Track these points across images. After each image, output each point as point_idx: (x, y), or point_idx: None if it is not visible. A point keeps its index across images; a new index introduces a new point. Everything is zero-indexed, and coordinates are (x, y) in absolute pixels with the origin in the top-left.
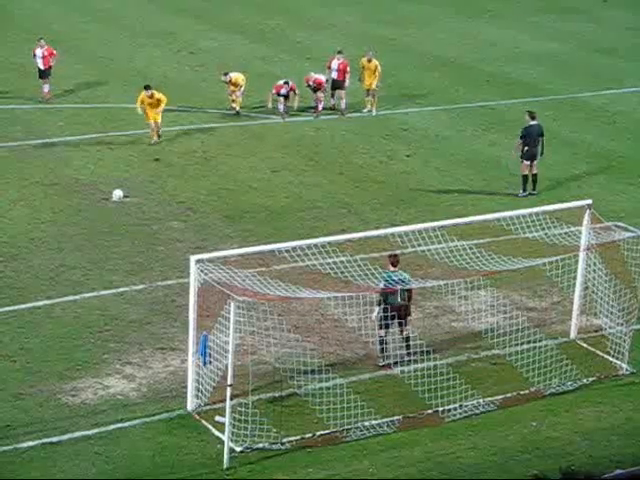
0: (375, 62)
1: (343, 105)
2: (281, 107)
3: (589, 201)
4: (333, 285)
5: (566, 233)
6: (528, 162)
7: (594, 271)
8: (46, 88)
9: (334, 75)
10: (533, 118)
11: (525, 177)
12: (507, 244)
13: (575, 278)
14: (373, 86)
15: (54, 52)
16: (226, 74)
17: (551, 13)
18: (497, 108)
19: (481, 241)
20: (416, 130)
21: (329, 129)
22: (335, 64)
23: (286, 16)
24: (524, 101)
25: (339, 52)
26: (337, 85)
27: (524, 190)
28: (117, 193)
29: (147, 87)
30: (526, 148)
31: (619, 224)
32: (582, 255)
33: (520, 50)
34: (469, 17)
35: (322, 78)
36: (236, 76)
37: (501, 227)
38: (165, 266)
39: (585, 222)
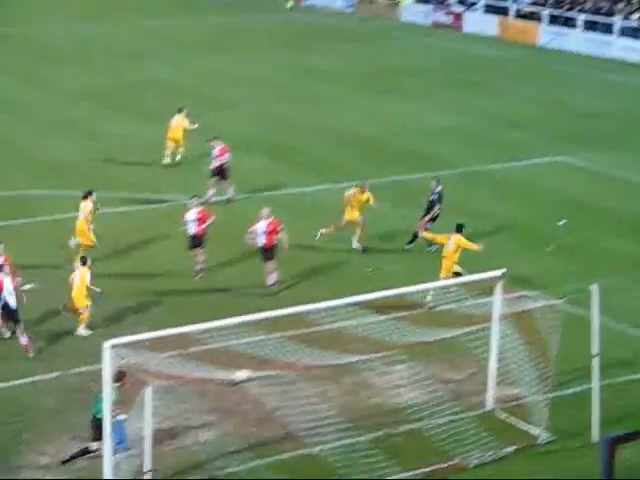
0: (368, 194)
1: (231, 193)
2: (272, 278)
3: (502, 271)
4: (250, 364)
5: (480, 303)
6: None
7: (510, 341)
8: None
9: (214, 164)
10: (439, 183)
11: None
12: (424, 316)
13: (490, 348)
14: (358, 219)
15: None
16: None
17: (457, 87)
18: (408, 183)
19: (398, 314)
20: (329, 207)
21: (240, 208)
22: (215, 151)
23: (195, 98)
24: (434, 174)
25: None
26: (220, 173)
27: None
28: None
29: None
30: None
31: (531, 293)
32: (496, 325)
33: (428, 125)
34: (378, 93)
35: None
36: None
37: (417, 300)
38: (79, 352)
39: (498, 292)
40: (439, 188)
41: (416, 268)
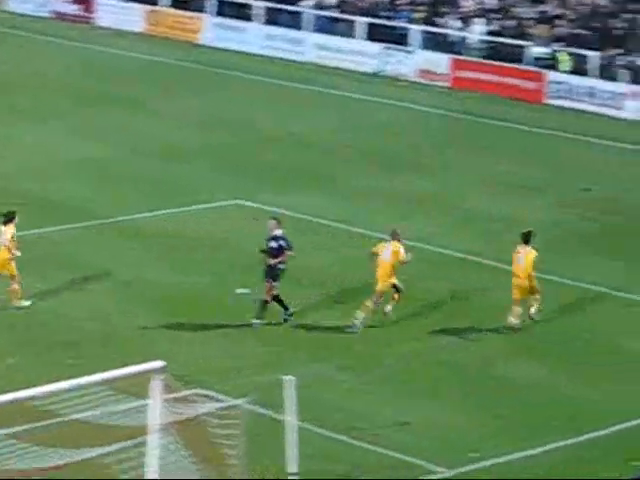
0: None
1: None
2: None
3: (160, 363)
4: None
5: (131, 409)
6: None
7: (175, 459)
8: None
9: None
10: (279, 224)
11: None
12: (50, 430)
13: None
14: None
15: None
16: None
17: (93, 104)
18: (24, 239)
19: (16, 429)
20: None
21: None
22: None
23: None
24: (59, 229)
25: None
26: None
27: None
28: None
29: None
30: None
31: (202, 391)
32: (154, 438)
33: (53, 157)
34: None
35: None
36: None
37: (40, 408)
38: None
39: (157, 391)
40: (281, 231)
41: (34, 363)
